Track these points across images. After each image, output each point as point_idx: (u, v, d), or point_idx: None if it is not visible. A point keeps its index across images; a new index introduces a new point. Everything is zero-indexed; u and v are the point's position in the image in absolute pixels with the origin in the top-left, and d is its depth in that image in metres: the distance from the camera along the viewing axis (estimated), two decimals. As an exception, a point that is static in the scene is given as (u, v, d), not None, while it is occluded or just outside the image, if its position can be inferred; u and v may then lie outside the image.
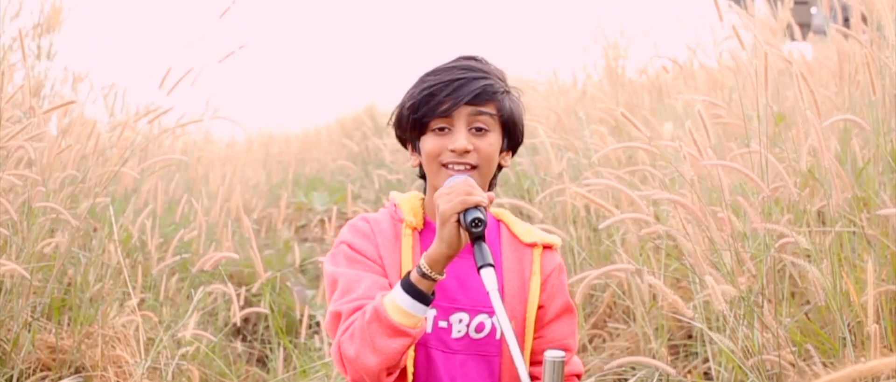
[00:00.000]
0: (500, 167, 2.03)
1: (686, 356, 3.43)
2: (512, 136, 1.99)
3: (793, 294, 2.63)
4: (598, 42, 5.17)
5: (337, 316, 1.87)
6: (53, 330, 3.09)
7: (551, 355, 1.62)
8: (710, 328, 2.64)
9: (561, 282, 2.04)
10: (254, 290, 3.95)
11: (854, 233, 2.67)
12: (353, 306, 1.85)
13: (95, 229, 3.59)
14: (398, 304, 1.77)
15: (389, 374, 1.83)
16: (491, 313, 1.95)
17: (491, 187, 2.03)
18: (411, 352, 1.93)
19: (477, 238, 1.72)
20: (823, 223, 2.79)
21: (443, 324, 1.95)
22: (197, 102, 5.19)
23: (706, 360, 3.05)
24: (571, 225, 3.84)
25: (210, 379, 3.27)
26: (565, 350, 1.97)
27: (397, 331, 1.77)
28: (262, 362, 3.98)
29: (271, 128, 9.92)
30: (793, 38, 4.30)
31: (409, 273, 1.78)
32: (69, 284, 3.26)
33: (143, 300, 3.37)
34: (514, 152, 2.06)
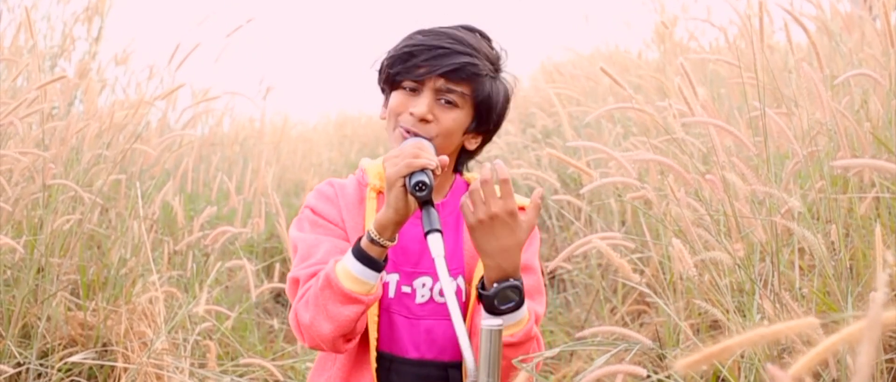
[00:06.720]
0: (466, 151, 1.95)
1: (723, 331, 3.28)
2: (483, 120, 1.90)
3: (811, 267, 2.46)
4: (647, 6, 4.99)
5: (295, 282, 1.84)
6: (83, 307, 3.15)
7: (487, 323, 1.53)
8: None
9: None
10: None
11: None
12: (309, 272, 1.81)
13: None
14: (349, 270, 1.71)
15: (347, 341, 1.78)
16: (454, 276, 1.88)
17: (456, 168, 1.96)
18: (375, 318, 1.87)
19: (425, 203, 1.65)
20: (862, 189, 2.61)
21: (406, 289, 1.90)
22: (251, 82, 5.21)
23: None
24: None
25: (235, 354, 3.28)
26: None
27: (349, 298, 1.71)
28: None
29: (347, 109, 9.97)
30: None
31: (360, 239, 1.73)
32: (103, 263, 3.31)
33: (171, 277, 3.41)
34: (485, 138, 1.96)
